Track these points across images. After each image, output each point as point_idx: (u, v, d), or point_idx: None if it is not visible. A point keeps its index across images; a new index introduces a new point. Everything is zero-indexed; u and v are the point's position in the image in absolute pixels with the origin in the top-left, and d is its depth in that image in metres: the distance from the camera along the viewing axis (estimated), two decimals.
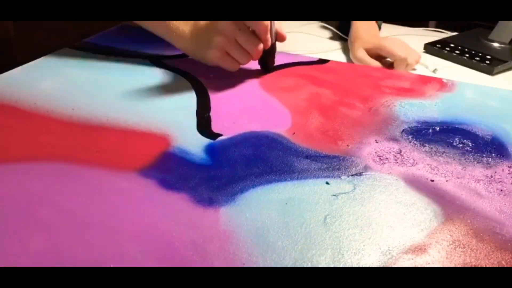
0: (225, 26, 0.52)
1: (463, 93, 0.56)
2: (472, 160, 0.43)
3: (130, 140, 0.43)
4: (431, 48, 0.74)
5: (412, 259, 0.31)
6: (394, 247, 0.32)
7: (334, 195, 0.37)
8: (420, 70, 0.66)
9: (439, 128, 0.48)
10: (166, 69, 0.59)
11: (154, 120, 0.46)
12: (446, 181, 0.39)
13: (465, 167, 0.41)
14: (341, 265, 0.30)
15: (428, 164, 0.42)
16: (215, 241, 0.32)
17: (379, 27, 0.72)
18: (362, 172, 0.40)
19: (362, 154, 0.43)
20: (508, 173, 0.41)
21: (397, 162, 0.42)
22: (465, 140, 0.46)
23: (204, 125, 0.46)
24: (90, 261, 0.30)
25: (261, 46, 0.54)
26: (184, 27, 0.54)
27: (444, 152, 0.44)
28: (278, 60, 0.63)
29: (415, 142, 0.45)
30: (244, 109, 0.50)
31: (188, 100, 0.51)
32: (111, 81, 0.54)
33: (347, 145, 0.44)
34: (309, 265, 0.30)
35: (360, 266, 0.30)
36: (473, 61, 0.68)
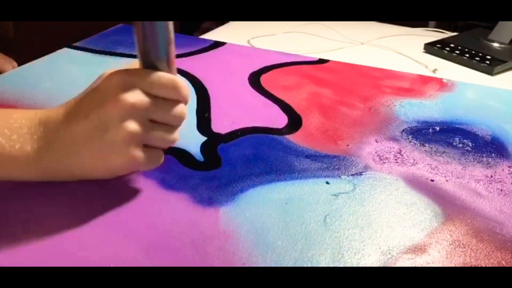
0: (136, 99, 0.31)
1: (463, 93, 0.56)
2: (472, 160, 0.43)
3: None
4: (431, 48, 0.74)
5: (412, 259, 0.31)
6: (394, 247, 0.32)
7: (334, 195, 0.37)
8: (420, 70, 0.66)
9: (439, 128, 0.48)
10: None
11: None
12: (446, 181, 0.39)
13: (465, 167, 0.41)
14: (341, 265, 0.30)
15: (428, 164, 0.42)
16: (215, 241, 0.32)
17: None
18: (362, 172, 0.40)
19: (362, 153, 0.43)
20: (508, 173, 0.41)
21: (397, 162, 0.42)
22: (465, 140, 0.46)
23: (204, 124, 0.46)
24: (90, 261, 0.30)
25: (185, 109, 0.35)
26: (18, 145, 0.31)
27: (444, 152, 0.44)
28: (278, 60, 0.63)
29: (415, 142, 0.45)
30: (244, 109, 0.50)
31: None
32: None
33: (347, 145, 0.44)
34: (309, 265, 0.30)
35: (360, 266, 0.30)
36: (473, 61, 0.68)
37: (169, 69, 0.34)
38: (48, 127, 0.32)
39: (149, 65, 0.33)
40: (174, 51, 0.34)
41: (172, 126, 0.34)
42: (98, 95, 0.32)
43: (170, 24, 0.33)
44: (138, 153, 0.32)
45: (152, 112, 0.32)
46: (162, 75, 0.33)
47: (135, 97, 0.31)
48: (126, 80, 0.32)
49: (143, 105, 0.31)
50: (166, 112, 0.33)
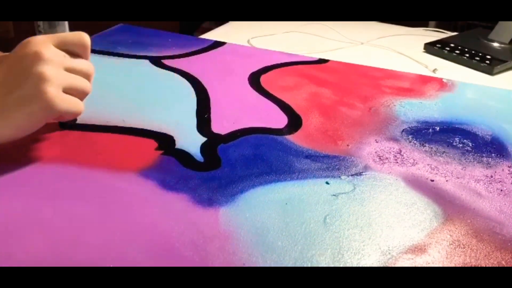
0: (50, 51, 0.36)
1: (463, 93, 0.56)
2: (472, 160, 0.43)
3: (130, 141, 0.43)
4: (431, 48, 0.74)
5: (412, 259, 0.31)
6: (394, 247, 0.32)
7: (334, 195, 0.37)
8: (420, 70, 0.66)
9: (439, 128, 0.48)
10: (166, 69, 0.58)
11: (154, 121, 0.46)
12: (446, 181, 0.39)
13: (465, 167, 0.41)
14: (341, 265, 0.30)
15: (428, 164, 0.42)
16: (215, 241, 0.32)
17: None
18: (362, 172, 0.40)
19: (362, 154, 0.43)
20: (508, 173, 0.41)
21: (397, 162, 0.42)
22: (465, 140, 0.46)
23: (204, 125, 0.46)
24: (90, 261, 0.30)
25: (91, 64, 0.41)
26: None
27: (444, 152, 0.44)
28: (278, 60, 0.63)
29: (415, 142, 0.45)
30: (244, 109, 0.50)
31: (188, 100, 0.51)
32: (111, 81, 0.54)
33: (347, 145, 0.44)
34: (309, 265, 0.30)
35: (360, 266, 0.30)
36: (473, 61, 0.68)
37: None
38: None
39: None
40: None
41: (83, 77, 0.39)
42: (15, 57, 0.37)
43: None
44: (54, 92, 0.35)
45: (65, 61, 0.37)
46: (69, 33, 0.40)
47: (49, 49, 0.37)
48: (40, 40, 0.37)
49: (56, 55, 0.37)
50: (76, 63, 0.39)
